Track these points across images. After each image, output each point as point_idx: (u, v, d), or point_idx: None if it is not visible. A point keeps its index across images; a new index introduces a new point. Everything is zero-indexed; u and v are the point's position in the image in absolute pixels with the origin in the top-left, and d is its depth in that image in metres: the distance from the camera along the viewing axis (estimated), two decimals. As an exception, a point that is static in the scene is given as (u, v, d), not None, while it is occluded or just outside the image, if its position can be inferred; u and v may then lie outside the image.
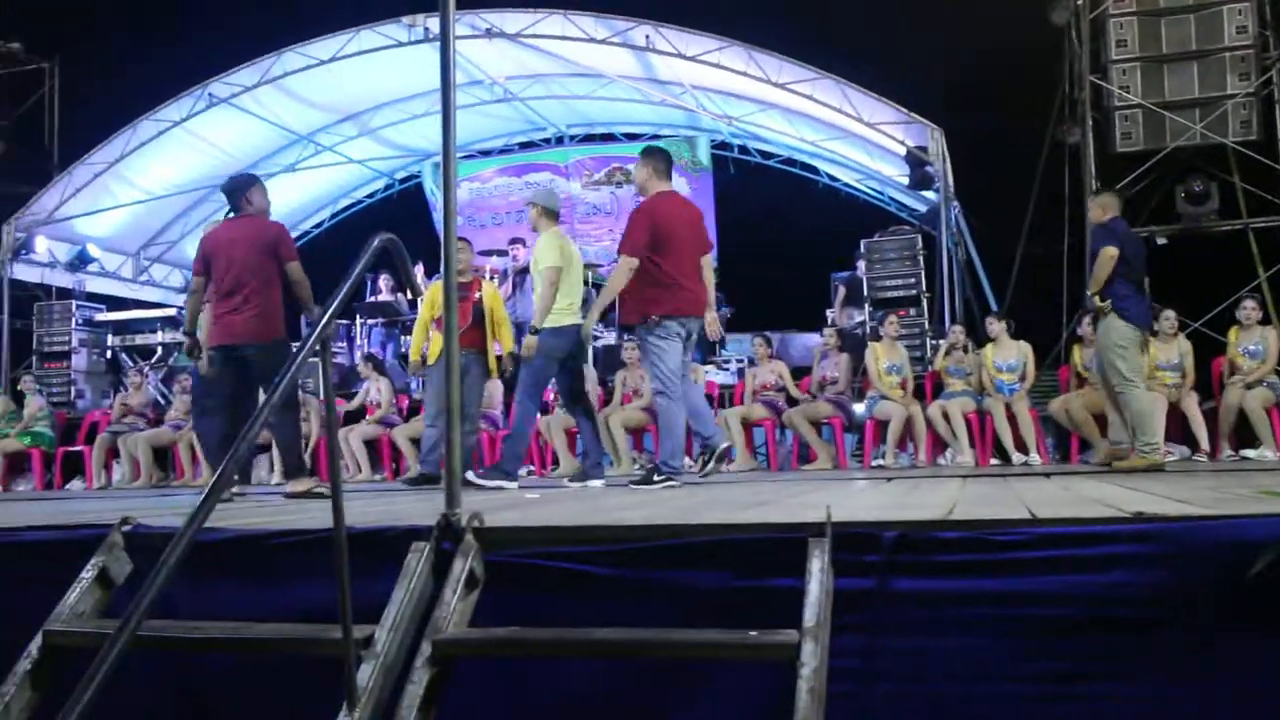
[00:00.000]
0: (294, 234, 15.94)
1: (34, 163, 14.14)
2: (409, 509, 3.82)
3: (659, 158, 5.99)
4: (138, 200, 13.57)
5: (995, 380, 8.50)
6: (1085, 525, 2.30)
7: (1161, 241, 10.20)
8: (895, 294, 10.56)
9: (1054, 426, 8.62)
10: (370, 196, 16.12)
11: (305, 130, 14.00)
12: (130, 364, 12.25)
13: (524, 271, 11.50)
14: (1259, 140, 9.83)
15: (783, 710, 1.94)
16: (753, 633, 2.10)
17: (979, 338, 9.38)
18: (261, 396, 5.66)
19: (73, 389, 12.53)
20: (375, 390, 9.86)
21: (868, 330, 10.37)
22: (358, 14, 12.08)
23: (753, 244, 13.87)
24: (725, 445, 5.90)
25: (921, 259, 10.65)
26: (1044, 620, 2.20)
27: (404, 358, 10.84)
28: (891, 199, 13.88)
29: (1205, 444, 7.89)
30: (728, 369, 11.47)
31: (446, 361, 2.75)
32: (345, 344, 12.46)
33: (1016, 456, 8.18)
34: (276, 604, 2.56)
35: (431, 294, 7.22)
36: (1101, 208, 6.56)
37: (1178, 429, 8.01)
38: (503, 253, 12.06)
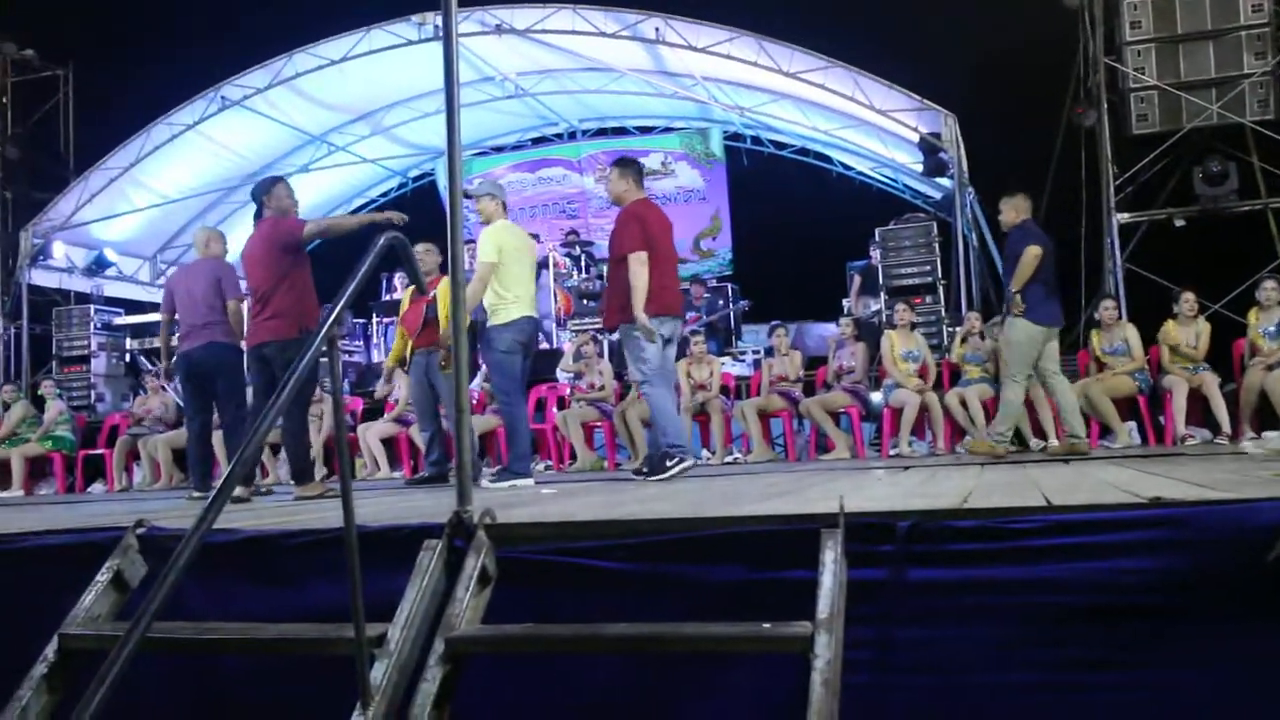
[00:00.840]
0: (308, 234, 16.03)
1: (50, 169, 14.23)
2: (421, 507, 3.82)
3: (634, 168, 6.28)
4: (153, 204, 13.63)
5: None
6: (1102, 512, 2.27)
7: (1180, 223, 10.12)
8: (911, 282, 10.51)
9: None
10: (384, 195, 16.15)
11: (318, 130, 14.03)
12: (149, 367, 12.31)
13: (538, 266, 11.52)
14: (1277, 119, 9.73)
15: (797, 702, 1.92)
16: (766, 625, 2.08)
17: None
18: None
19: (92, 393, 12.63)
20: (395, 388, 9.88)
21: (884, 319, 10.33)
22: (368, 13, 12.10)
23: (767, 235, 13.85)
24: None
25: (937, 246, 10.60)
26: (1061, 608, 2.18)
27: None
28: (906, 186, 13.82)
29: (1226, 427, 7.82)
30: (744, 360, 11.45)
31: (455, 359, 2.74)
32: (362, 343, 12.50)
33: (1035, 443, 8.13)
34: (290, 604, 2.56)
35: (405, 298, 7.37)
36: (1015, 210, 6.78)
37: (1199, 412, 7.95)
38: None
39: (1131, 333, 8.26)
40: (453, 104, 2.75)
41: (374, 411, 10.02)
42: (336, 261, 5.95)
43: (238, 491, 5.57)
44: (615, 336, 8.07)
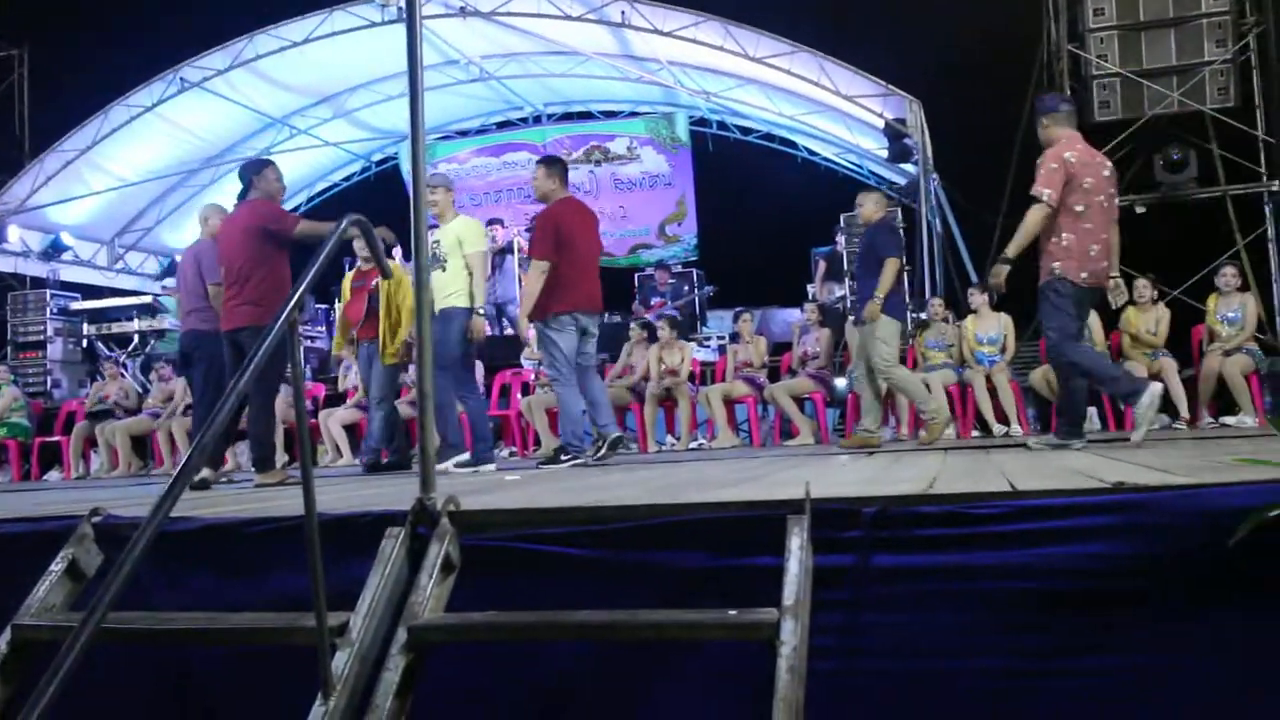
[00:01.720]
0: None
1: (4, 151, 13.97)
2: (384, 494, 3.79)
3: (559, 166, 6.42)
4: (111, 187, 13.43)
5: (976, 352, 8.50)
6: (1066, 497, 2.28)
7: (1140, 210, 10.20)
8: (875, 268, 10.52)
9: (1035, 397, 8.63)
10: (347, 179, 16.01)
11: (279, 113, 13.88)
12: (106, 352, 12.15)
13: (503, 252, 11.45)
14: (1236, 107, 9.83)
15: (763, 689, 1.92)
16: (732, 612, 2.08)
17: (959, 310, 9.38)
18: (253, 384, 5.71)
19: (49, 379, 12.43)
20: (355, 374, 9.79)
21: (848, 304, 10.36)
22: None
23: (733, 220, 13.85)
24: (616, 435, 6.22)
25: (901, 232, 10.62)
26: (1025, 593, 2.18)
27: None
28: (871, 173, 13.87)
29: (1185, 412, 7.91)
30: (709, 346, 11.46)
31: (419, 347, 2.71)
32: (325, 328, 12.38)
33: (998, 428, 8.19)
34: (252, 593, 2.53)
35: (346, 285, 7.33)
36: (876, 205, 6.98)
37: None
38: (481, 233, 11.96)
39: (1093, 319, 8.32)
40: (416, 87, 2.71)
41: (336, 398, 9.94)
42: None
43: (203, 474, 5.52)
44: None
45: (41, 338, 12.55)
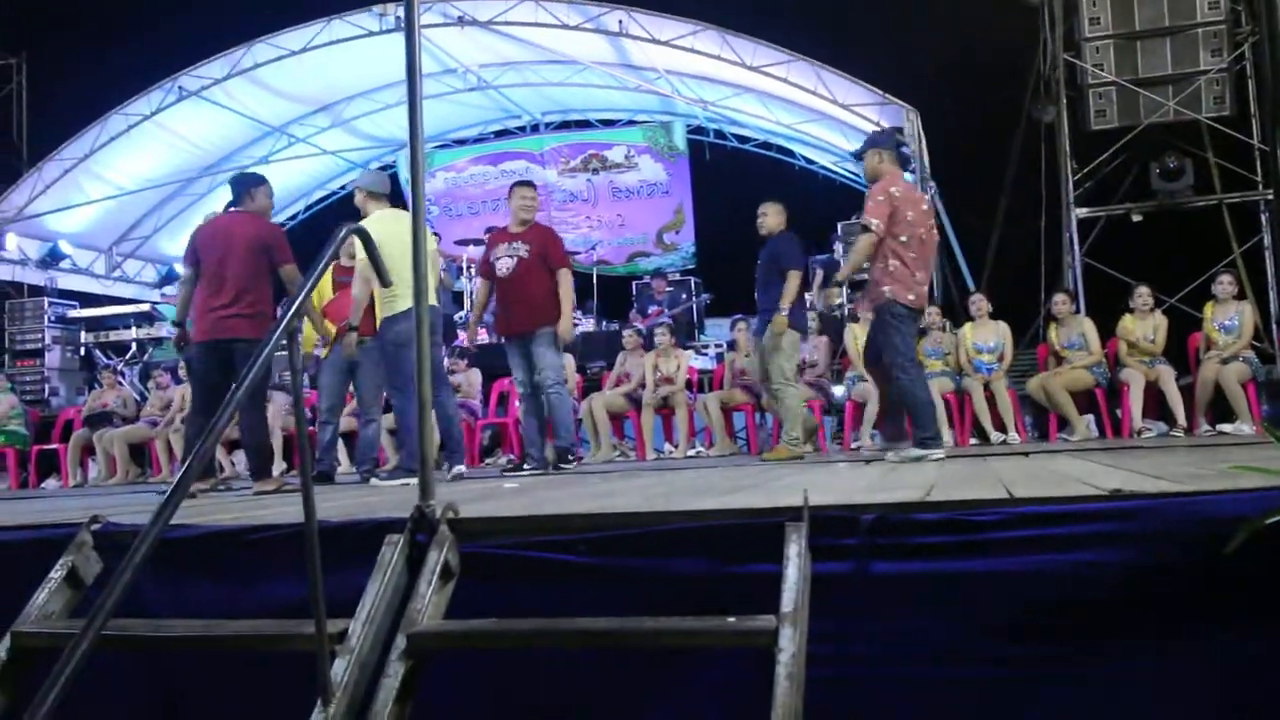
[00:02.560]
0: (268, 227, 15.87)
1: (3, 160, 14.02)
2: (383, 501, 3.79)
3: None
4: (109, 196, 13.44)
5: (974, 360, 8.51)
6: (1063, 504, 2.29)
7: (1137, 218, 10.24)
8: (873, 276, 10.53)
9: (1032, 405, 8.63)
10: (344, 188, 15.98)
11: (277, 122, 13.89)
12: (104, 360, 12.14)
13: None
14: (1232, 116, 9.86)
15: (762, 696, 1.92)
16: (730, 619, 2.08)
17: (957, 318, 9.39)
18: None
19: (46, 387, 12.42)
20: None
21: (846, 312, 10.37)
22: (328, 4, 11.99)
23: (730, 228, 13.80)
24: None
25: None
26: (1023, 600, 2.19)
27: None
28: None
29: (1182, 419, 7.91)
30: (706, 354, 11.46)
31: (418, 355, 2.71)
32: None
33: (995, 436, 8.20)
34: (251, 600, 2.53)
35: (320, 287, 7.20)
36: (778, 216, 7.08)
37: (1155, 405, 8.04)
38: (479, 242, 11.97)
39: (1089, 326, 8.34)
40: (415, 96, 2.72)
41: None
42: (297, 254, 5.92)
43: (197, 485, 5.50)
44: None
45: (39, 346, 12.54)
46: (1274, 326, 10.01)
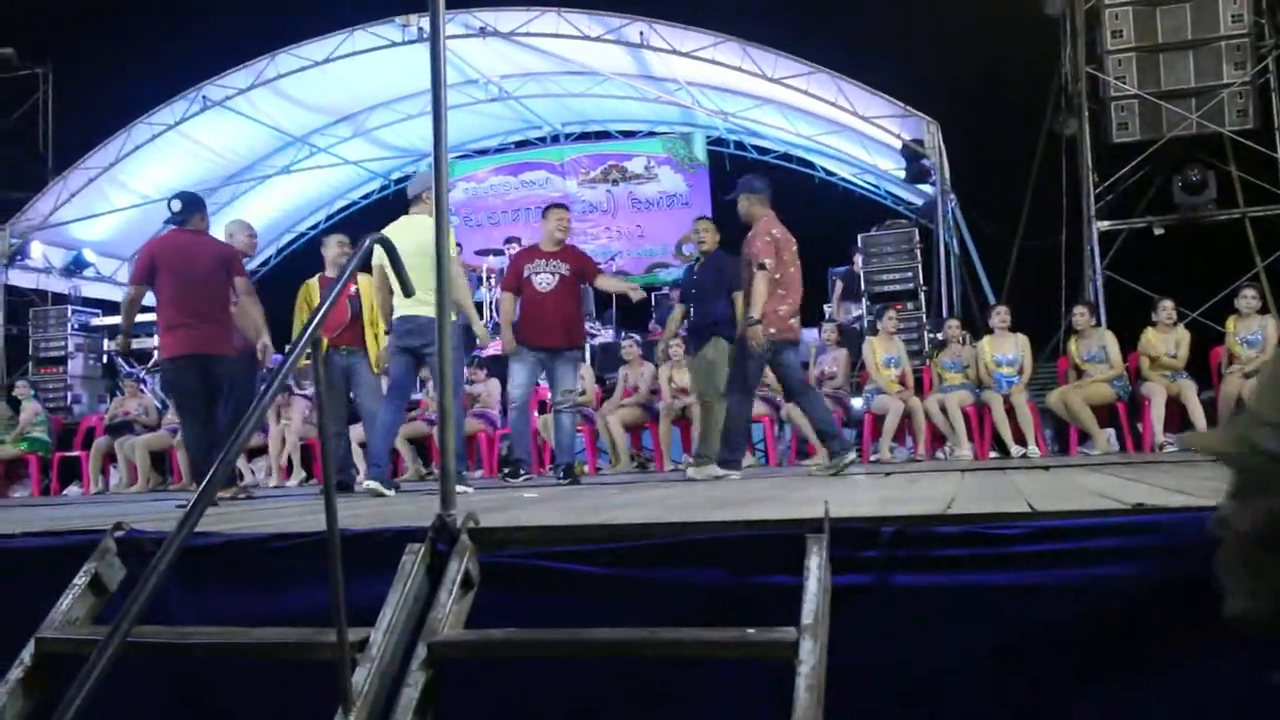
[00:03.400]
0: (290, 236, 16.02)
1: (29, 168, 14.12)
2: (403, 510, 3.80)
3: None
4: (133, 204, 13.53)
5: (993, 374, 8.47)
6: (1085, 518, 2.28)
7: (1159, 232, 10.20)
8: (892, 288, 10.53)
9: (1052, 418, 8.59)
10: (365, 198, 16.10)
11: (300, 132, 13.98)
12: (127, 368, 12.22)
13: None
14: (1255, 129, 9.82)
15: (782, 708, 1.92)
16: (751, 631, 2.08)
17: (976, 331, 9.36)
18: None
19: (69, 394, 12.51)
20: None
21: (865, 325, 10.35)
22: (352, 15, 12.07)
23: (749, 240, 13.83)
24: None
25: (918, 253, 10.63)
26: (1044, 614, 2.18)
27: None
28: (888, 193, 13.86)
29: (1205, 434, 7.86)
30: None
31: (440, 363, 2.72)
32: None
33: (1015, 449, 8.16)
34: (273, 608, 2.54)
35: (305, 293, 7.25)
36: (716, 234, 7.14)
37: (1177, 419, 7.99)
38: (499, 252, 12.07)
39: (1110, 340, 8.30)
40: (439, 106, 2.74)
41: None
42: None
43: (220, 493, 5.54)
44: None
45: (63, 353, 12.64)
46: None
